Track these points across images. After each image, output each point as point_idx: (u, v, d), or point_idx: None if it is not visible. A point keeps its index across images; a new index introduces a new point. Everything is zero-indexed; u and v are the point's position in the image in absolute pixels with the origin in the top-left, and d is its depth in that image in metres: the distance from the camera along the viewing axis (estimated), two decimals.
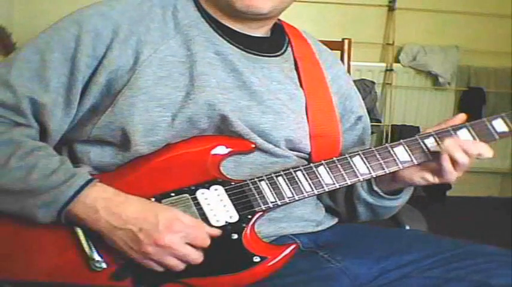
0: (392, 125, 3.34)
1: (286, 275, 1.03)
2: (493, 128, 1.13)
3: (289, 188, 1.06)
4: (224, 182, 1.06)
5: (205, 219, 1.03)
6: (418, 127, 3.29)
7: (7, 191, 0.99)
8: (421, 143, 1.11)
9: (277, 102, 1.13)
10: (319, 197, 1.21)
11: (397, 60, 3.34)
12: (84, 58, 1.05)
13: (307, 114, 1.18)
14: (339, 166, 1.08)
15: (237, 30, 1.15)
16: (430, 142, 1.11)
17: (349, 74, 1.73)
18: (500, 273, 1.03)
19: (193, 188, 1.05)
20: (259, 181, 1.06)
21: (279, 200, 1.06)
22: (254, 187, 1.06)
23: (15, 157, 1.00)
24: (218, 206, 1.04)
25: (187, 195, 1.04)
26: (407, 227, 1.36)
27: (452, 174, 1.08)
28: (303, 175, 1.07)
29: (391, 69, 3.31)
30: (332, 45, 1.34)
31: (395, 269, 1.09)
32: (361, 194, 1.18)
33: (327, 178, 1.08)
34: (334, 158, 1.09)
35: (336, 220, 1.25)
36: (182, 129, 1.07)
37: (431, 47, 3.31)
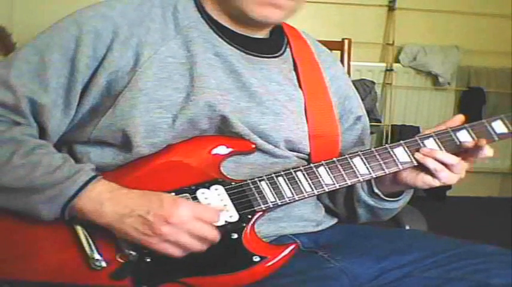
0: (392, 125, 3.34)
1: (286, 275, 1.03)
2: (493, 129, 1.13)
3: (289, 188, 1.06)
4: (224, 182, 1.06)
5: None
6: (418, 127, 3.29)
7: (11, 189, 1.00)
8: (421, 144, 1.11)
9: (276, 103, 1.14)
10: (318, 197, 1.21)
11: (397, 60, 3.35)
12: (84, 59, 1.05)
13: (306, 115, 1.18)
14: (339, 166, 1.09)
15: (237, 31, 1.15)
16: (430, 143, 1.11)
17: (349, 74, 1.73)
18: (500, 273, 1.03)
19: (193, 187, 1.05)
20: (260, 180, 1.06)
21: (279, 200, 1.06)
22: (254, 187, 1.06)
23: (17, 155, 1.00)
24: (218, 205, 1.04)
25: (187, 195, 1.04)
26: (407, 227, 1.36)
27: (449, 177, 1.09)
28: (303, 175, 1.08)
29: (391, 69, 3.31)
30: (332, 45, 1.34)
31: (395, 269, 1.09)
32: (362, 196, 1.19)
33: (327, 178, 1.08)
34: (334, 159, 1.09)
35: (335, 220, 1.25)
36: (183, 131, 1.07)
37: (431, 47, 3.31)
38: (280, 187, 1.06)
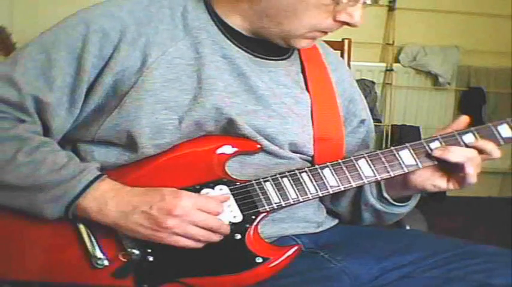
0: (392, 125, 3.34)
1: (287, 275, 1.03)
2: (499, 133, 1.13)
3: (294, 189, 1.06)
4: (229, 182, 1.06)
5: None
6: (418, 127, 3.29)
7: (15, 187, 0.99)
8: (427, 147, 1.10)
9: (282, 107, 1.13)
10: (321, 198, 1.21)
11: (397, 60, 3.35)
12: (91, 58, 1.04)
13: (312, 117, 1.17)
14: (344, 168, 1.08)
15: (246, 34, 1.14)
16: (436, 146, 1.10)
17: None
18: (500, 273, 1.03)
19: (197, 187, 1.05)
20: (264, 181, 1.06)
21: (283, 201, 1.06)
22: (259, 188, 1.06)
23: (22, 152, 1.00)
24: (221, 196, 1.04)
25: None
26: (408, 227, 1.36)
27: (472, 177, 1.08)
28: (308, 176, 1.07)
29: (391, 69, 3.31)
30: (332, 45, 1.34)
31: (395, 269, 1.09)
32: (370, 200, 1.18)
33: (331, 180, 1.08)
34: (340, 160, 1.09)
35: (336, 221, 1.25)
36: (189, 132, 1.07)
37: (431, 47, 3.31)
38: (284, 188, 1.06)
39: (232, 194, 1.05)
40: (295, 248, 1.05)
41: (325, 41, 1.37)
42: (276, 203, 1.05)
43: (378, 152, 1.10)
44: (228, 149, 1.08)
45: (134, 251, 1.00)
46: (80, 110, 1.07)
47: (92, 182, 0.99)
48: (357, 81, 3.02)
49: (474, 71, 3.40)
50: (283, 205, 1.06)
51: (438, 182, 1.12)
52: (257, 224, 1.04)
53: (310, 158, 1.17)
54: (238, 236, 1.03)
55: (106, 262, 1.00)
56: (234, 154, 1.09)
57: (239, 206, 1.04)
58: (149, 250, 1.00)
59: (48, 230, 1.01)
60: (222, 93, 1.08)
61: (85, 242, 1.01)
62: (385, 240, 1.17)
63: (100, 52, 1.05)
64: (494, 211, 3.32)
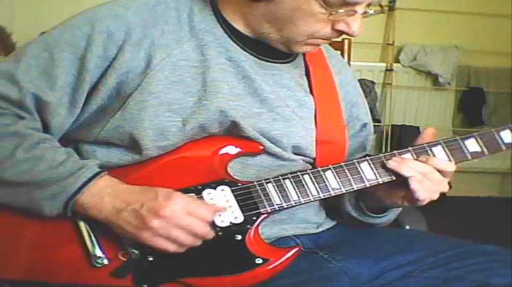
0: (392, 125, 3.34)
1: (287, 275, 1.02)
2: (501, 138, 1.13)
3: (296, 191, 1.06)
4: (231, 182, 1.06)
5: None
6: (418, 127, 3.29)
7: (13, 184, 0.99)
8: (429, 151, 1.10)
9: (287, 110, 1.13)
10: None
11: (397, 60, 3.35)
12: (94, 59, 1.04)
13: (315, 120, 1.17)
14: (346, 170, 1.08)
15: (251, 37, 1.12)
16: (438, 151, 1.10)
17: None
18: (500, 273, 1.03)
19: (199, 187, 1.04)
20: (266, 183, 1.06)
21: (285, 202, 1.05)
22: (261, 189, 1.05)
23: (21, 148, 1.00)
24: (224, 206, 1.04)
25: (193, 194, 1.04)
26: (407, 227, 1.36)
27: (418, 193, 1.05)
28: (310, 178, 1.07)
29: (391, 69, 3.31)
30: (332, 45, 1.33)
31: (395, 269, 1.09)
32: (347, 207, 1.20)
33: (333, 183, 1.07)
34: (342, 163, 1.09)
35: (336, 221, 1.25)
36: (193, 135, 1.07)
37: (431, 47, 3.31)
38: (286, 190, 1.06)
39: (234, 195, 1.05)
40: (295, 250, 1.05)
41: None
42: (277, 205, 1.05)
43: (381, 155, 1.10)
44: (230, 150, 1.08)
45: (134, 250, 1.00)
46: (81, 111, 1.07)
47: (90, 180, 0.99)
48: (357, 81, 3.04)
49: (474, 71, 3.40)
50: (285, 207, 1.06)
51: (395, 198, 1.11)
52: (258, 225, 1.04)
53: (312, 161, 1.17)
54: (239, 237, 1.03)
55: (105, 261, 1.00)
56: (237, 155, 1.09)
57: (240, 207, 1.04)
58: (149, 250, 1.00)
59: (48, 228, 1.01)
60: (226, 96, 1.07)
61: (85, 241, 1.00)
62: (385, 240, 1.17)
63: (104, 53, 1.04)
64: (494, 211, 3.32)
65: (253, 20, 1.09)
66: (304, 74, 1.20)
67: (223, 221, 1.03)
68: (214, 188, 1.05)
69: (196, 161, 1.07)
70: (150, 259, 1.00)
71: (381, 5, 1.09)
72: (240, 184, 1.06)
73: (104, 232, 1.00)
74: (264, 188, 1.05)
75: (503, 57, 3.34)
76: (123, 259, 1.01)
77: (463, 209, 3.20)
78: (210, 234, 1.00)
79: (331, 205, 1.23)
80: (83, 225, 1.01)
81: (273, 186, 1.06)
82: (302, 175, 1.07)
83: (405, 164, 1.06)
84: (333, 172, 1.08)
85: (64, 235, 1.01)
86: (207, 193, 1.04)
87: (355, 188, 1.08)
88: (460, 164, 1.11)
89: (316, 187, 1.07)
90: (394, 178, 1.08)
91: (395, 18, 3.26)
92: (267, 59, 1.14)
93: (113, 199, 0.98)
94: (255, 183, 1.06)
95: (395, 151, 1.10)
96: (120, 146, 1.07)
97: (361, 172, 1.08)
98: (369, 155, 1.11)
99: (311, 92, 1.19)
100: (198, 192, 1.04)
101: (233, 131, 1.08)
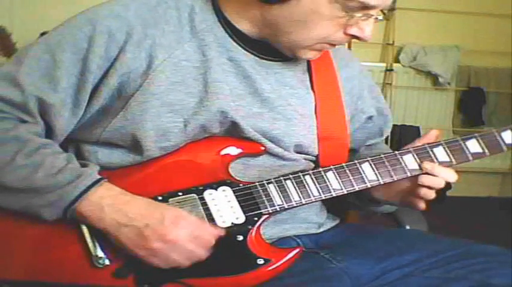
0: (392, 125, 3.34)
1: (288, 275, 1.03)
2: (502, 139, 1.13)
3: (297, 192, 1.06)
4: (232, 183, 1.06)
5: (211, 219, 1.03)
6: (418, 127, 3.29)
7: (12, 189, 0.99)
8: (430, 152, 1.10)
9: (288, 108, 1.13)
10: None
11: (397, 60, 3.35)
12: (96, 59, 1.03)
13: (316, 116, 1.17)
14: (347, 171, 1.08)
15: (253, 37, 1.11)
16: (440, 151, 1.10)
17: None
18: (500, 273, 1.03)
19: (201, 188, 1.05)
20: (268, 183, 1.06)
21: (286, 203, 1.06)
22: (262, 190, 1.06)
23: (21, 154, 0.99)
24: (225, 207, 1.04)
25: (194, 195, 1.04)
26: (408, 227, 1.36)
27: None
28: (312, 179, 1.07)
29: (391, 69, 3.31)
30: None
31: (396, 269, 1.09)
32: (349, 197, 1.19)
33: (335, 183, 1.08)
34: (343, 164, 1.09)
35: (337, 221, 1.25)
36: (194, 135, 1.07)
37: (431, 47, 3.32)
38: (288, 191, 1.06)
39: (235, 196, 1.05)
40: (297, 250, 1.05)
41: None
42: (278, 205, 1.05)
43: (382, 155, 1.10)
44: (232, 151, 1.08)
45: None
46: (84, 111, 1.07)
47: (89, 188, 0.98)
48: None
49: (474, 71, 3.41)
50: (286, 207, 1.06)
51: (393, 199, 1.15)
52: (259, 226, 1.04)
53: (314, 158, 1.17)
54: (240, 238, 1.03)
55: (107, 261, 1.00)
56: (238, 156, 1.09)
57: (242, 207, 1.04)
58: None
59: (49, 228, 1.01)
60: (227, 97, 1.07)
61: (86, 241, 1.00)
62: (385, 240, 1.17)
63: (105, 53, 1.04)
64: (494, 211, 3.32)
65: (261, 22, 1.08)
66: (306, 69, 1.19)
67: (224, 221, 1.03)
68: (216, 189, 1.05)
69: (197, 162, 1.07)
70: None
71: (383, 11, 1.08)
72: (241, 185, 1.06)
73: (106, 235, 1.00)
74: (266, 188, 1.06)
75: (503, 57, 3.35)
76: (124, 259, 1.00)
77: (463, 209, 3.20)
78: (205, 256, 1.00)
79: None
80: (84, 226, 1.01)
81: (275, 186, 1.06)
82: (303, 175, 1.07)
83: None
84: (334, 173, 1.08)
85: (65, 235, 1.01)
86: (208, 194, 1.04)
87: (357, 189, 1.08)
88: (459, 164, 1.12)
89: (317, 188, 1.07)
90: (395, 179, 1.09)
91: (395, 18, 3.26)
92: (268, 58, 1.13)
93: (114, 211, 0.98)
94: (257, 183, 1.06)
95: (396, 152, 1.10)
96: (122, 147, 1.07)
97: (362, 172, 1.08)
98: (370, 156, 1.11)
99: (312, 88, 1.18)
100: (200, 193, 1.04)
101: (234, 132, 1.08)
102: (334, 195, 1.07)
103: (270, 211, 1.05)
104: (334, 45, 1.09)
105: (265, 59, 1.13)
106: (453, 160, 1.10)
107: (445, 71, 3.30)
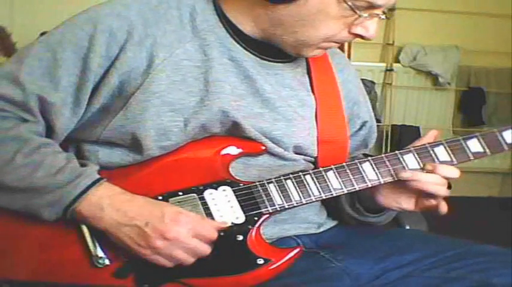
0: (392, 125, 3.35)
1: (287, 275, 1.03)
2: (503, 139, 1.12)
3: (297, 192, 1.06)
4: (233, 183, 1.06)
5: (211, 219, 1.03)
6: (418, 127, 3.29)
7: (12, 189, 0.99)
8: (431, 152, 1.10)
9: (288, 109, 1.13)
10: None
11: (397, 60, 3.35)
12: (97, 58, 1.03)
13: (316, 119, 1.17)
14: (348, 171, 1.08)
15: (254, 37, 1.11)
16: (440, 151, 1.10)
17: None
18: (500, 272, 1.03)
19: (201, 188, 1.05)
20: (268, 183, 1.06)
21: (287, 203, 1.06)
22: (262, 189, 1.06)
23: (21, 153, 0.99)
24: (225, 206, 1.04)
25: (194, 195, 1.04)
26: (407, 227, 1.36)
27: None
28: (312, 178, 1.07)
29: (391, 69, 3.32)
30: None
31: (396, 269, 1.09)
32: (346, 209, 1.20)
33: (335, 183, 1.07)
34: (344, 163, 1.09)
35: (337, 221, 1.25)
36: (195, 135, 1.07)
37: (431, 47, 3.32)
38: (288, 190, 1.06)
39: (236, 195, 1.05)
40: (297, 250, 1.05)
41: None
42: (279, 205, 1.05)
43: (383, 155, 1.10)
44: (232, 150, 1.08)
45: None
46: (84, 110, 1.06)
47: (88, 188, 0.98)
48: None
49: (474, 71, 3.41)
50: (286, 207, 1.06)
51: (403, 200, 1.13)
52: (259, 226, 1.04)
53: (313, 160, 1.17)
54: (240, 238, 1.03)
55: (107, 261, 1.00)
56: (239, 155, 1.09)
57: (242, 207, 1.04)
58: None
59: (49, 228, 1.01)
60: (228, 97, 1.07)
61: (86, 241, 1.00)
62: (385, 240, 1.17)
63: (106, 52, 1.03)
64: (494, 211, 3.32)
65: (266, 22, 1.08)
66: (306, 72, 1.19)
67: (224, 221, 1.03)
68: (216, 189, 1.05)
69: (197, 162, 1.07)
70: None
71: (383, 11, 1.08)
72: (241, 184, 1.06)
73: (106, 235, 1.00)
74: (266, 188, 1.06)
75: (503, 57, 3.35)
76: (124, 259, 1.01)
77: (463, 209, 3.19)
78: (209, 251, 1.00)
79: (329, 205, 1.23)
80: (84, 226, 1.01)
81: (275, 186, 1.06)
82: (304, 175, 1.07)
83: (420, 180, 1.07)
84: (334, 172, 1.08)
85: (65, 235, 1.01)
86: (208, 193, 1.04)
87: (357, 189, 1.08)
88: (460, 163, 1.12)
89: (317, 187, 1.07)
90: (396, 179, 1.08)
91: (395, 18, 3.26)
92: (269, 58, 1.13)
93: (113, 211, 0.98)
94: (257, 183, 1.06)
95: (397, 151, 1.10)
96: (122, 146, 1.07)
97: (362, 172, 1.08)
98: (369, 155, 1.11)
99: (312, 91, 1.19)
100: (200, 192, 1.04)
101: (234, 131, 1.08)
102: (335, 195, 1.07)
103: (270, 211, 1.05)
104: (339, 43, 1.10)
105: (266, 60, 1.13)
106: (454, 159, 1.10)
107: (445, 71, 3.30)
